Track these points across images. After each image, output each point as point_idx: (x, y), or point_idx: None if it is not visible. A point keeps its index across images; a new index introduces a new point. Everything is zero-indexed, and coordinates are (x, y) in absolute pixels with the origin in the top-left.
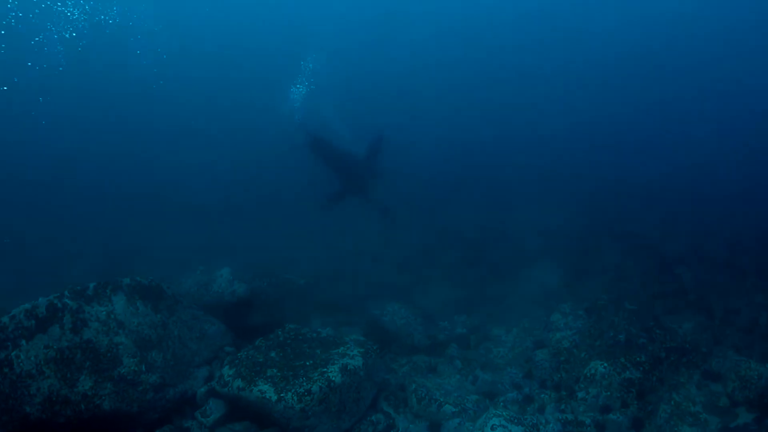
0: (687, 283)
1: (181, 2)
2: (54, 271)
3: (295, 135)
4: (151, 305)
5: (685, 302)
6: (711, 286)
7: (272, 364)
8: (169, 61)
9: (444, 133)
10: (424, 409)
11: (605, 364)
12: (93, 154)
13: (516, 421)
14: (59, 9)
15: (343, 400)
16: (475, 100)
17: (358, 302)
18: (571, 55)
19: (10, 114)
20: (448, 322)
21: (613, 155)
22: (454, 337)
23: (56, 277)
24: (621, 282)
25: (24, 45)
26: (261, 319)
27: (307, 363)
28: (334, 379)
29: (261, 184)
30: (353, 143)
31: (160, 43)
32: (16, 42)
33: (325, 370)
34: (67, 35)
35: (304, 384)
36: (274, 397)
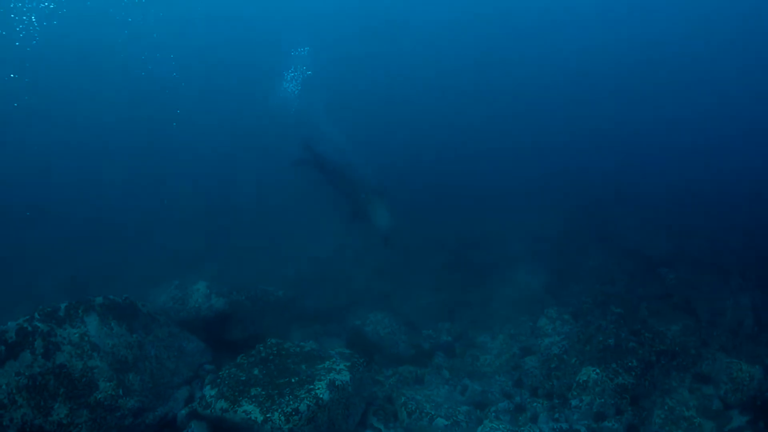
0: (671, 284)
1: None
2: (21, 290)
3: (298, 151)
4: (126, 325)
5: (670, 304)
6: (695, 287)
7: (256, 383)
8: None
9: (426, 136)
10: (415, 423)
11: (597, 370)
12: (58, 160)
13: None
14: None
15: (332, 418)
16: (457, 105)
17: (338, 311)
18: (553, 66)
19: None
20: (432, 330)
21: (593, 159)
22: (439, 345)
23: (23, 296)
24: (605, 285)
25: None
26: (240, 334)
27: (293, 380)
28: (321, 396)
29: (234, 190)
30: (352, 154)
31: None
32: None
33: (312, 387)
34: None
35: (291, 403)
36: (260, 418)
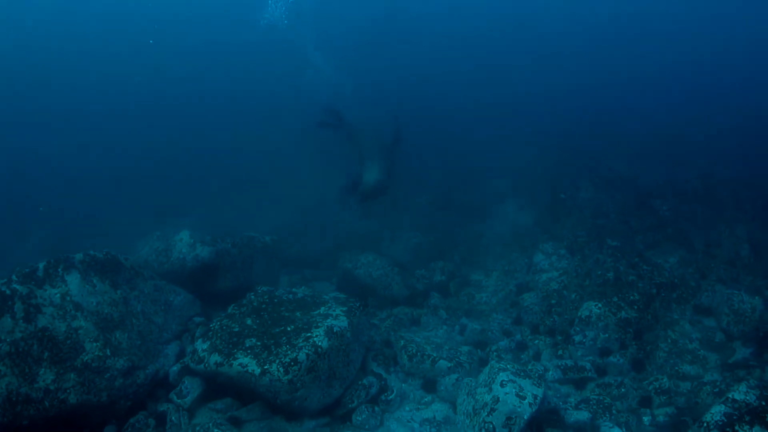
0: (664, 216)
1: None
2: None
3: (320, 114)
4: (109, 281)
5: (664, 236)
6: (689, 219)
7: (250, 333)
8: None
9: (409, 71)
10: (417, 366)
11: (599, 305)
12: (31, 115)
13: (522, 374)
14: None
15: (333, 366)
16: (444, 47)
17: (326, 256)
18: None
19: None
20: (425, 269)
21: (580, 92)
22: (433, 285)
23: (1, 262)
24: (598, 218)
25: None
26: (229, 284)
27: (288, 328)
28: (320, 344)
29: (214, 140)
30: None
31: None
32: None
33: (310, 334)
34: None
35: (289, 352)
36: (258, 370)
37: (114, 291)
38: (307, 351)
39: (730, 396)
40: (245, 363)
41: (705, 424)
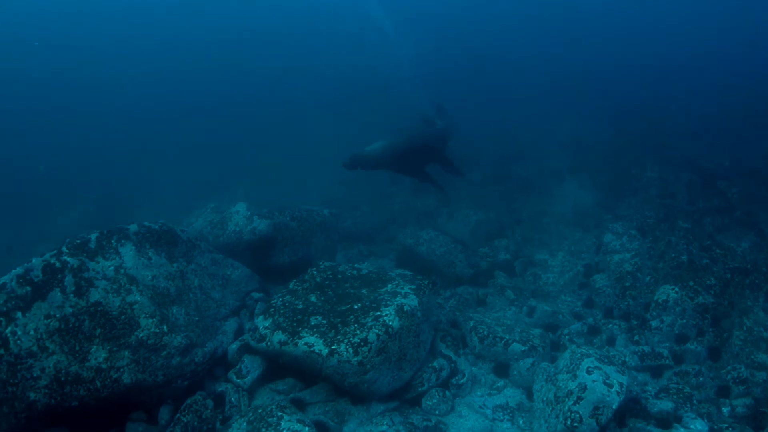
0: (733, 198)
1: None
2: (41, 227)
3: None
4: (165, 253)
5: (733, 219)
6: (758, 201)
7: (315, 311)
8: None
9: (461, 38)
10: (488, 349)
11: (676, 289)
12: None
13: (606, 360)
14: None
15: (403, 347)
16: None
17: (380, 230)
18: None
19: None
20: (488, 248)
21: (638, 70)
22: (497, 264)
23: (44, 235)
24: (665, 198)
25: None
26: (287, 258)
27: (355, 306)
28: (391, 323)
29: (266, 113)
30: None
31: None
32: None
33: (379, 313)
34: None
35: (358, 332)
36: (325, 351)
37: (170, 264)
38: (377, 331)
39: None
40: (311, 342)
41: None
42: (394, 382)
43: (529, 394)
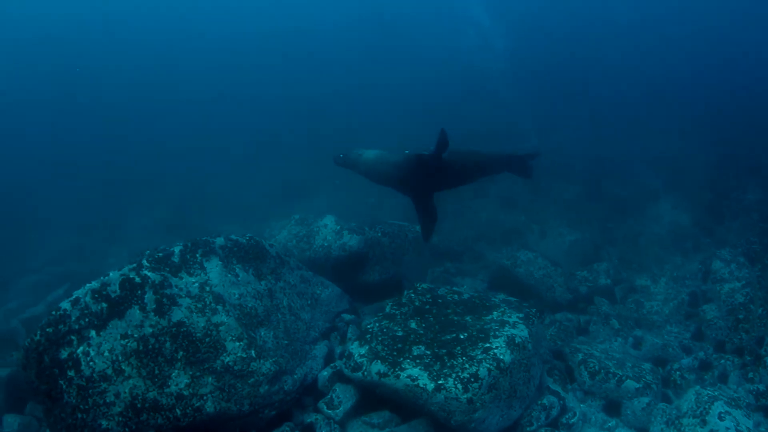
0: None
1: None
2: (110, 232)
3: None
4: (253, 270)
5: None
6: None
7: (417, 339)
8: None
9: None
10: (600, 385)
11: None
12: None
13: (734, 403)
14: None
15: (514, 384)
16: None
17: (467, 247)
18: None
19: None
20: (587, 271)
21: (737, 80)
22: (597, 289)
23: (114, 239)
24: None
25: None
26: (377, 277)
27: (461, 336)
28: (502, 357)
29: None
30: None
31: None
32: None
33: (489, 345)
34: None
35: (467, 366)
36: (431, 386)
37: (258, 281)
38: (488, 365)
39: None
40: (415, 375)
41: None
42: (502, 421)
43: None
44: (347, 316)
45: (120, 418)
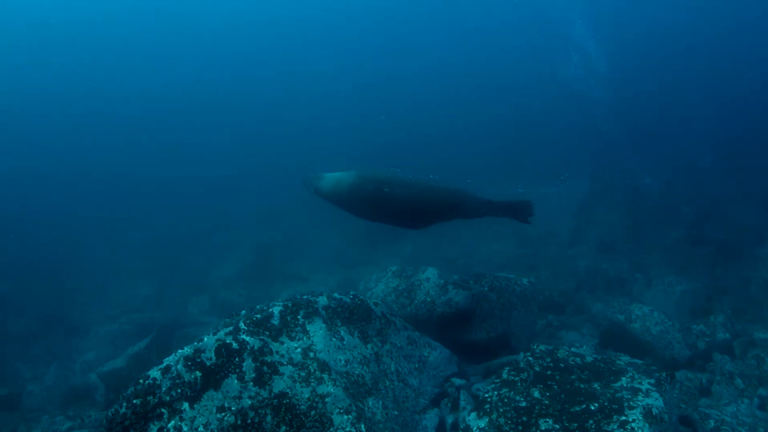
0: None
1: None
2: (190, 279)
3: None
4: (358, 332)
5: None
6: None
7: (543, 412)
8: None
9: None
10: None
11: None
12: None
13: None
14: None
15: None
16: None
17: (568, 298)
18: None
19: None
20: (703, 325)
21: None
22: (716, 344)
23: (197, 286)
24: None
25: None
26: (484, 335)
27: (592, 407)
28: None
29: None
30: None
31: None
32: None
33: (625, 418)
34: None
35: None
36: None
37: (364, 345)
38: None
39: None
40: None
41: None
42: None
43: None
44: (457, 381)
45: None
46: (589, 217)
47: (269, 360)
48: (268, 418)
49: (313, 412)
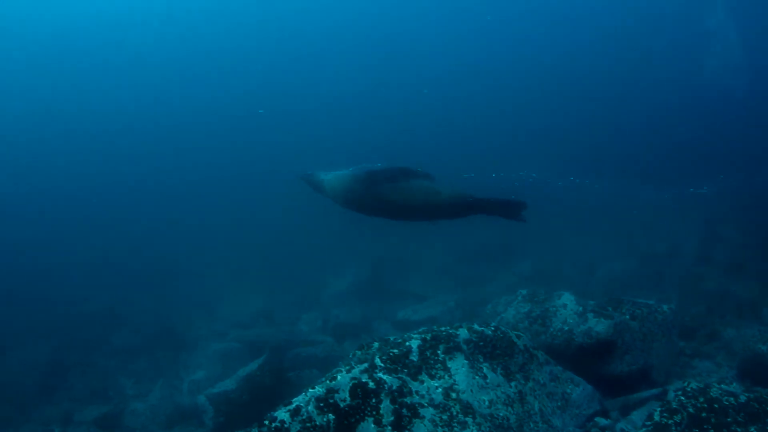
0: None
1: None
2: (301, 294)
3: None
4: (501, 369)
5: None
6: None
7: None
8: None
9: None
10: None
11: None
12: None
13: None
14: None
15: None
16: None
17: (699, 323)
18: None
19: None
20: None
21: None
22: None
23: (304, 303)
24: None
25: None
26: (626, 368)
27: None
28: None
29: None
30: None
31: None
32: None
33: None
34: None
35: None
36: None
37: (508, 383)
38: None
39: None
40: None
41: None
42: None
43: None
44: (602, 421)
45: None
46: (715, 232)
47: (409, 401)
48: None
49: None
